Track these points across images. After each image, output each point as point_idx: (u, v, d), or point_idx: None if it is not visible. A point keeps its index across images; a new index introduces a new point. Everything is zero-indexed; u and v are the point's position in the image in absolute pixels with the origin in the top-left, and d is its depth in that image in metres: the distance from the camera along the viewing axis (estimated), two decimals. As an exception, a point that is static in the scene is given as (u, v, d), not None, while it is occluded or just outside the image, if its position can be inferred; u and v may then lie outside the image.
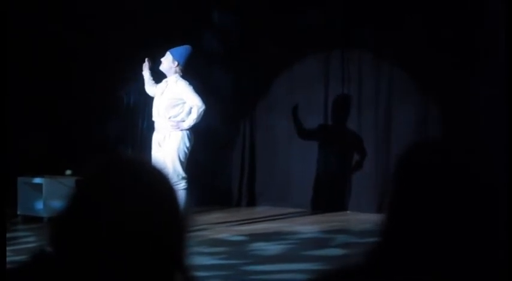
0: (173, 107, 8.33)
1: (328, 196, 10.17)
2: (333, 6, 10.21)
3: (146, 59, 8.74)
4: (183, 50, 8.48)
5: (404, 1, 9.67)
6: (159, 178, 1.49)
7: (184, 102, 8.34)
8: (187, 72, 8.49)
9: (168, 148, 8.22)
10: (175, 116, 8.31)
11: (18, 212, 9.68)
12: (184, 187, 7.98)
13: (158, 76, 8.74)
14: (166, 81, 8.45)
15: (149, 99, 8.87)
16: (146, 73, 8.76)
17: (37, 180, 9.59)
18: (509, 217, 1.43)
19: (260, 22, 10.60)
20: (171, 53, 8.43)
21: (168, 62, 8.41)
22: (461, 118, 9.06)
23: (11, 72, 10.20)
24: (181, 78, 8.38)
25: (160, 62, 8.46)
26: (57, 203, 8.81)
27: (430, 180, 1.43)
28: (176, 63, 8.38)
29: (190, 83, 8.36)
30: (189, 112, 8.32)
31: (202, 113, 8.30)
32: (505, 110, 7.96)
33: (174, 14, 10.63)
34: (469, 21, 9.19)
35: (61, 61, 11.12)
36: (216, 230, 8.66)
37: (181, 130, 8.27)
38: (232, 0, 10.80)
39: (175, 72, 8.38)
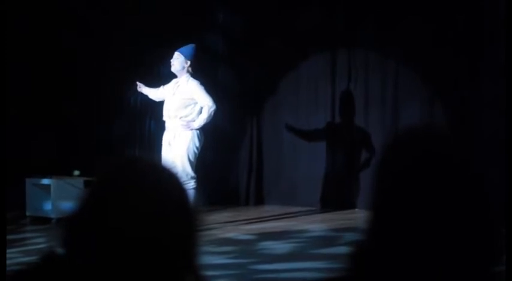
0: (185, 107, 8.33)
1: (336, 194, 10.17)
2: (336, 3, 10.22)
3: (137, 83, 8.77)
4: (191, 48, 8.48)
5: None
6: (170, 178, 1.49)
7: (195, 103, 8.34)
8: (196, 70, 8.49)
9: (177, 147, 8.23)
10: (185, 116, 8.32)
11: (27, 213, 9.71)
12: (193, 187, 7.99)
13: (164, 79, 8.76)
14: (177, 82, 8.44)
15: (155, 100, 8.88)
16: (144, 90, 8.77)
17: (45, 181, 9.61)
18: (507, 213, 1.38)
19: (265, 20, 10.60)
20: (182, 53, 8.41)
21: (180, 63, 8.39)
22: (464, 114, 9.08)
23: (15, 73, 10.24)
24: (192, 78, 8.38)
25: (169, 65, 8.45)
26: (65, 204, 8.87)
27: (414, 175, 1.37)
28: (189, 62, 8.38)
29: (202, 83, 8.37)
30: (200, 112, 8.32)
31: (212, 113, 8.30)
32: (505, 108, 7.97)
33: (177, 12, 10.64)
34: (470, 16, 9.19)
35: (66, 62, 11.14)
36: (224, 229, 8.66)
37: (192, 130, 8.27)
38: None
39: (187, 71, 8.39)
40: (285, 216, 9.63)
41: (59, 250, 1.45)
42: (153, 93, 8.76)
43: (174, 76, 8.50)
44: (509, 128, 7.48)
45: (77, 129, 11.15)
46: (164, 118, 8.46)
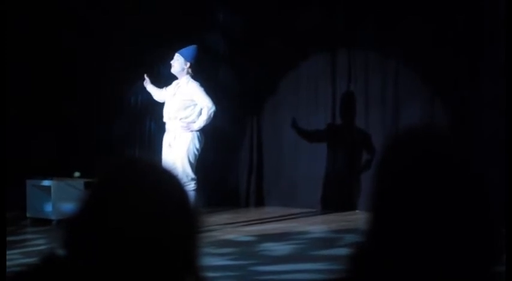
0: (185, 108, 8.33)
1: (336, 195, 10.16)
2: (336, 3, 10.22)
3: (145, 75, 8.76)
4: (192, 50, 8.47)
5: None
6: (170, 179, 1.49)
7: (195, 104, 8.33)
8: (197, 72, 8.49)
9: (178, 149, 8.23)
10: (186, 118, 8.32)
11: (27, 215, 9.70)
12: (193, 188, 7.99)
13: (164, 80, 8.76)
14: (178, 83, 8.43)
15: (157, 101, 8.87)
16: (149, 86, 8.77)
17: (46, 182, 9.60)
18: (507, 213, 1.38)
19: (265, 20, 10.59)
20: (182, 55, 8.41)
21: (179, 64, 8.39)
22: (464, 114, 9.10)
23: (15, 73, 10.24)
24: (192, 79, 8.37)
25: (170, 65, 8.45)
26: (66, 205, 8.87)
27: (414, 175, 1.37)
28: (188, 64, 8.37)
29: (202, 84, 8.36)
30: (200, 113, 8.32)
31: (212, 115, 8.30)
32: (505, 108, 7.97)
33: (178, 12, 10.64)
34: (470, 16, 9.20)
35: (66, 62, 11.15)
36: (224, 230, 8.66)
37: (192, 131, 8.27)
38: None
39: (187, 73, 8.38)
40: (285, 217, 9.62)
41: (60, 252, 1.45)
42: (156, 93, 8.75)
43: (175, 77, 8.50)
44: (509, 128, 7.49)
45: (77, 129, 11.15)
46: (164, 119, 8.46)
